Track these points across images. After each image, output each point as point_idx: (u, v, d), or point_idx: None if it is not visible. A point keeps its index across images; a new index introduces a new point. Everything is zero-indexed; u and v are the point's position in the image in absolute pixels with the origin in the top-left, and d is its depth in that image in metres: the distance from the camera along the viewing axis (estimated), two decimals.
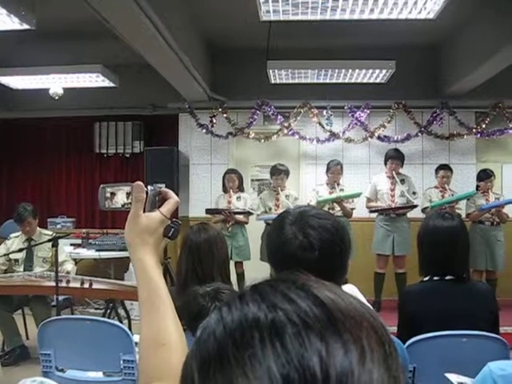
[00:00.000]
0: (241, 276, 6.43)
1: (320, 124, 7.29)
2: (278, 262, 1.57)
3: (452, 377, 2.06)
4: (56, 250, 4.57)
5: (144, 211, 1.06)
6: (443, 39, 6.85)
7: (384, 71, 6.24)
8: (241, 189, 6.63)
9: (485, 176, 6.49)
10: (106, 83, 6.54)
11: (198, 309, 2.06)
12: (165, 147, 7.37)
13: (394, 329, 2.63)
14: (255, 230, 6.30)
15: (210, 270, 2.57)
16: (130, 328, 4.42)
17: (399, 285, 6.14)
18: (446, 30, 6.34)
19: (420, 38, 6.66)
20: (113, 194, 1.17)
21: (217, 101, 7.38)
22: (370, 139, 7.34)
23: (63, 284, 4.66)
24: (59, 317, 4.02)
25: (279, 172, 6.50)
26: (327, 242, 1.51)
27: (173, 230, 1.08)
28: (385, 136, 7.32)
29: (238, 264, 6.44)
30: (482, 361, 1.33)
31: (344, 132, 7.33)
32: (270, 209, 6.47)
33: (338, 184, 6.50)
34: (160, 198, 1.09)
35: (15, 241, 5.52)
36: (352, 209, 6.44)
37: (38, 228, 5.59)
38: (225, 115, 7.38)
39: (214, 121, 7.38)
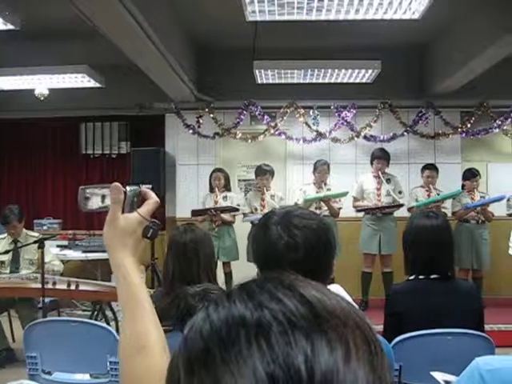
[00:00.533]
0: (228, 276, 6.42)
1: (306, 124, 7.30)
2: (263, 263, 1.57)
3: (438, 375, 2.07)
4: (42, 252, 4.55)
5: (123, 212, 1.05)
6: (428, 39, 6.88)
7: (370, 71, 6.27)
8: (227, 188, 6.63)
9: (470, 175, 6.54)
10: (92, 84, 6.50)
11: (188, 308, 2.06)
12: (151, 148, 7.32)
13: (381, 327, 2.65)
14: (243, 230, 6.29)
15: (197, 270, 2.56)
16: (117, 330, 4.39)
17: (386, 284, 6.18)
18: (431, 30, 6.37)
19: (405, 38, 6.69)
20: (88, 196, 1.16)
21: (203, 101, 7.36)
22: (356, 139, 7.35)
23: (49, 286, 4.64)
24: (45, 319, 3.99)
25: (264, 172, 6.50)
26: (312, 241, 1.51)
27: (152, 230, 1.07)
28: (371, 136, 7.34)
29: (226, 264, 6.44)
30: (467, 359, 1.34)
31: (330, 132, 7.33)
32: (256, 209, 6.47)
33: (325, 184, 6.52)
34: (139, 199, 1.08)
35: (1, 242, 5.48)
36: (339, 208, 6.46)
37: (24, 230, 5.54)
38: (211, 115, 7.35)
39: (201, 121, 7.35)
